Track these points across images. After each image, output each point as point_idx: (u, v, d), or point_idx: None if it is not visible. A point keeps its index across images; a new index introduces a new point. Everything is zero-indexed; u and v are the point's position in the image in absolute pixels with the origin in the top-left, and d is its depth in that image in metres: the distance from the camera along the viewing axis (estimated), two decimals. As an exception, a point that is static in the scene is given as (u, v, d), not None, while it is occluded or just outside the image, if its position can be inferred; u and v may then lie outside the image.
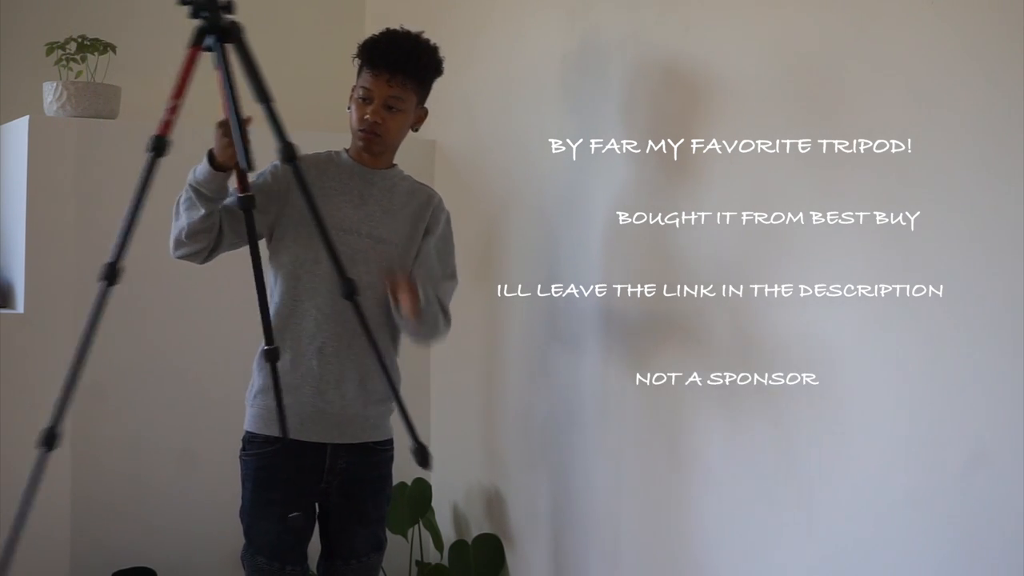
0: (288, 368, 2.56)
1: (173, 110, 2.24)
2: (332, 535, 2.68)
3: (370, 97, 2.57)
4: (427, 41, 2.63)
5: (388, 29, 2.63)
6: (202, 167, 2.42)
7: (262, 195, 2.52)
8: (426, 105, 2.67)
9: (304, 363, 2.56)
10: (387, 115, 2.57)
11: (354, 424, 2.59)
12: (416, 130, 2.69)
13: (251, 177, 2.54)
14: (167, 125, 2.23)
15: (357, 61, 2.61)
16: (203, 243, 2.50)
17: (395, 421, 2.74)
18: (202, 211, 2.44)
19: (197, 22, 2.28)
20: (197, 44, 2.27)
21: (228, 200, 2.51)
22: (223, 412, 3.25)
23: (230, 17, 2.26)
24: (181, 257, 2.54)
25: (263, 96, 2.23)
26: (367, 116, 2.56)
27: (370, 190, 2.62)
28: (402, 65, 2.55)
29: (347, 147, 2.66)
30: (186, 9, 2.30)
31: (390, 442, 2.70)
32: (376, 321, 2.57)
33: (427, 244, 2.66)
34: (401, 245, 2.63)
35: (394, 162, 2.70)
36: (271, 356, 2.43)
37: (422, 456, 2.38)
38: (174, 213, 2.50)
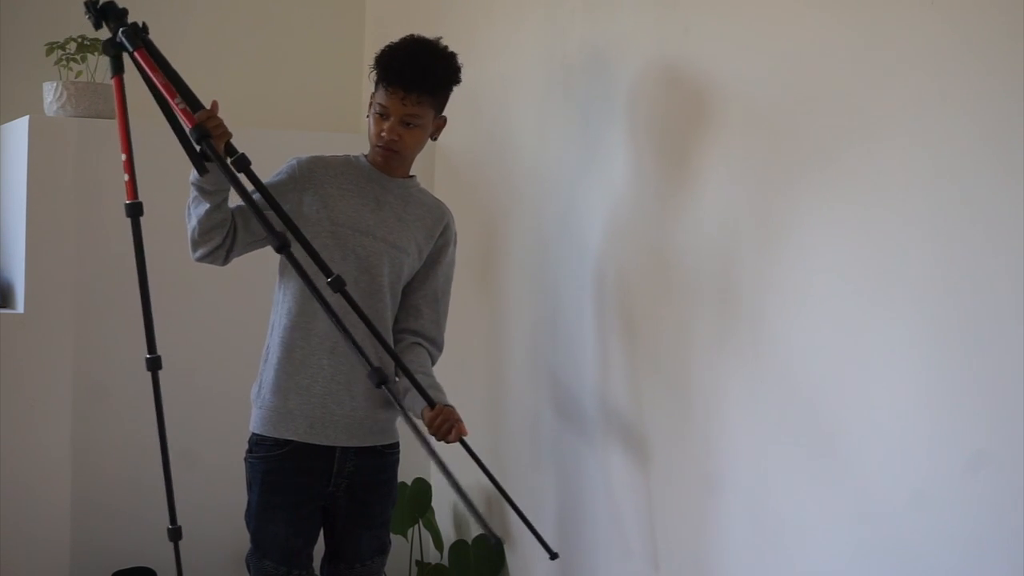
0: (299, 367, 2.56)
1: (129, 165, 2.32)
2: (337, 538, 2.68)
3: (387, 114, 2.56)
4: (443, 51, 2.61)
5: (405, 40, 2.60)
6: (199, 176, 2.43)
7: (276, 192, 2.54)
8: (444, 114, 2.66)
9: (315, 362, 2.56)
10: (404, 131, 2.57)
11: (363, 427, 2.59)
12: (435, 139, 2.69)
13: (266, 176, 2.55)
14: (131, 188, 2.33)
15: (374, 74, 2.59)
16: (217, 240, 2.49)
17: (401, 424, 2.74)
18: (207, 206, 2.44)
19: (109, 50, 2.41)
20: (120, 71, 2.39)
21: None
22: (224, 412, 3.25)
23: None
24: (201, 259, 2.54)
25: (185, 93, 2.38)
26: (384, 133, 2.57)
27: (386, 197, 2.63)
28: (418, 83, 2.53)
29: (365, 153, 2.67)
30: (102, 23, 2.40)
31: (396, 445, 2.71)
32: (384, 325, 2.60)
33: (437, 271, 2.69)
34: (412, 254, 2.64)
35: (412, 173, 2.70)
36: (152, 365, 2.45)
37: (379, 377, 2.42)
38: (186, 216, 2.52)
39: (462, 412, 3.53)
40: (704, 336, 2.60)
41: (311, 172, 2.59)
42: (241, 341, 2.98)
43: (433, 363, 2.70)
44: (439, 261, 2.69)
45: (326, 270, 2.39)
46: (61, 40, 3.32)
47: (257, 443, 2.62)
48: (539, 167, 3.19)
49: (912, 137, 2.12)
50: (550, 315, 3.14)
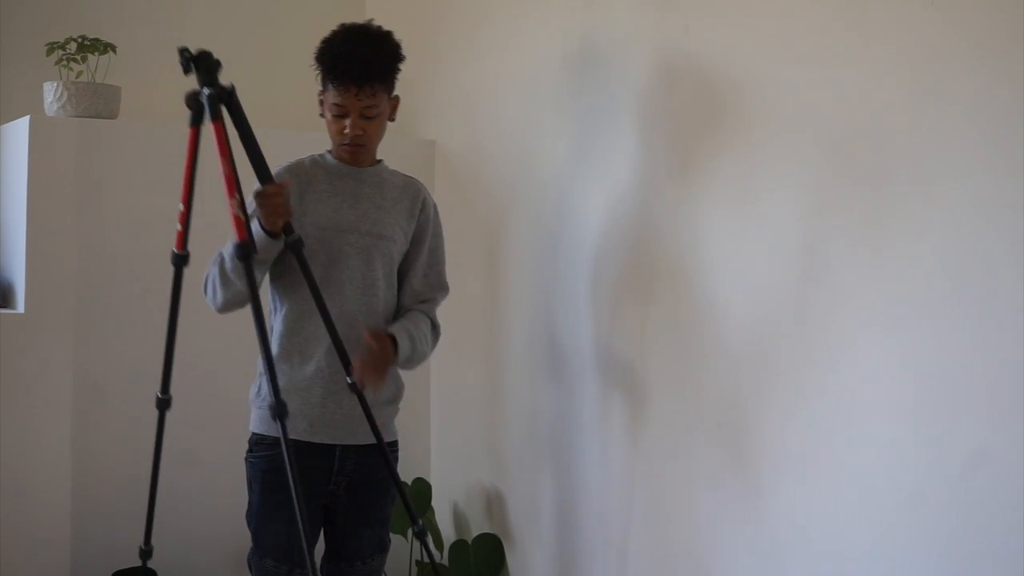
0: (297, 370, 2.56)
1: (185, 217, 2.33)
2: (338, 536, 2.68)
3: (344, 112, 2.55)
4: (380, 34, 2.59)
5: (338, 33, 2.59)
6: (256, 236, 2.43)
7: None
8: (396, 93, 2.63)
9: (313, 364, 2.56)
10: (366, 124, 2.56)
11: (363, 425, 2.59)
12: (393, 119, 2.66)
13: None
14: (181, 239, 2.34)
15: (318, 71, 2.57)
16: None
17: (400, 422, 2.74)
18: (257, 276, 2.46)
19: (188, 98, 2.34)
20: (199, 122, 2.32)
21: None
22: (224, 412, 3.25)
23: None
24: (228, 311, 2.58)
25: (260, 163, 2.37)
26: (347, 131, 2.55)
27: (362, 189, 2.62)
28: (367, 75, 2.52)
29: (329, 149, 2.65)
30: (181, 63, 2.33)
31: (395, 444, 2.70)
32: (378, 321, 2.60)
33: (421, 249, 2.68)
34: (399, 239, 2.64)
35: (379, 157, 2.68)
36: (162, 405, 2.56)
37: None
38: (218, 278, 2.52)
39: (460, 410, 3.55)
40: (706, 334, 2.60)
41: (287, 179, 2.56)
42: (241, 342, 2.97)
43: (428, 353, 2.68)
44: (423, 238, 2.68)
45: (345, 358, 2.46)
46: (61, 40, 3.32)
47: (257, 442, 2.62)
48: (539, 166, 3.19)
49: (913, 136, 2.12)
50: (549, 314, 3.14)
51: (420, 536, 2.64)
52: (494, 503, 3.40)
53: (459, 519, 3.56)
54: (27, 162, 3.22)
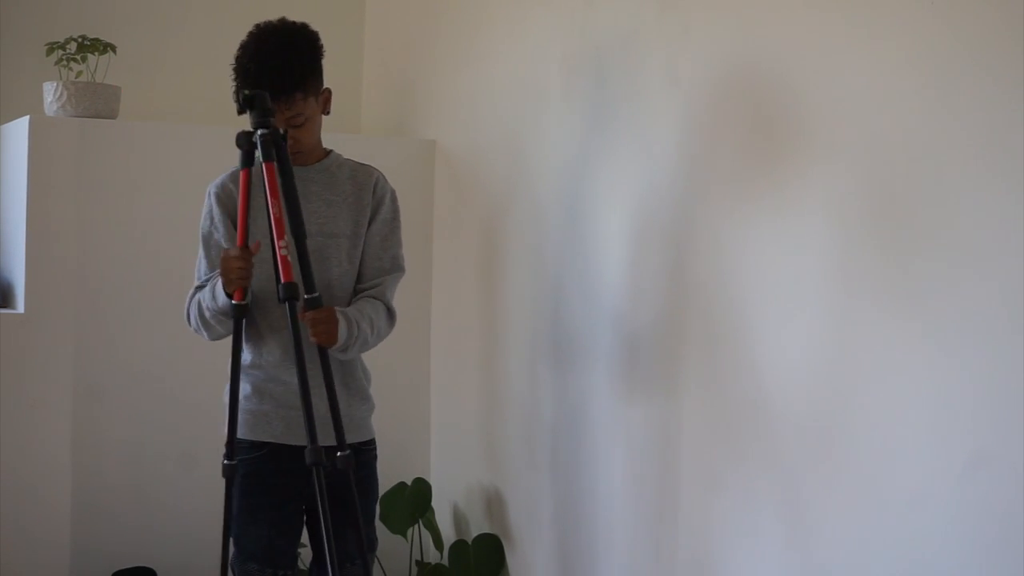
0: (272, 374, 2.55)
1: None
2: (323, 538, 2.65)
3: None
4: (291, 36, 2.51)
5: (252, 38, 2.50)
6: (224, 300, 2.44)
7: (221, 231, 2.54)
8: (327, 85, 2.57)
9: (287, 367, 2.52)
10: (295, 132, 2.50)
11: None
12: (328, 113, 2.60)
13: (208, 204, 2.56)
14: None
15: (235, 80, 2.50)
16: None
17: (376, 420, 2.71)
18: (230, 325, 2.48)
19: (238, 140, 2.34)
20: (251, 163, 2.33)
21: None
22: (221, 415, 3.25)
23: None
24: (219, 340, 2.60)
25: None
26: None
27: (309, 187, 2.55)
28: (280, 87, 2.44)
29: None
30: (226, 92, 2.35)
31: (372, 442, 2.67)
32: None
33: (370, 233, 2.60)
34: (350, 236, 2.58)
35: (329, 148, 2.63)
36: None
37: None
38: (197, 320, 2.54)
39: (460, 410, 3.55)
40: (705, 336, 2.60)
41: (230, 193, 2.53)
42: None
43: (383, 334, 2.60)
44: (376, 223, 2.61)
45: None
46: (61, 40, 3.32)
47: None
48: (539, 167, 3.19)
49: (911, 137, 2.12)
50: (551, 314, 3.14)
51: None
52: (494, 503, 3.40)
53: (459, 519, 3.56)
54: (27, 162, 3.23)
